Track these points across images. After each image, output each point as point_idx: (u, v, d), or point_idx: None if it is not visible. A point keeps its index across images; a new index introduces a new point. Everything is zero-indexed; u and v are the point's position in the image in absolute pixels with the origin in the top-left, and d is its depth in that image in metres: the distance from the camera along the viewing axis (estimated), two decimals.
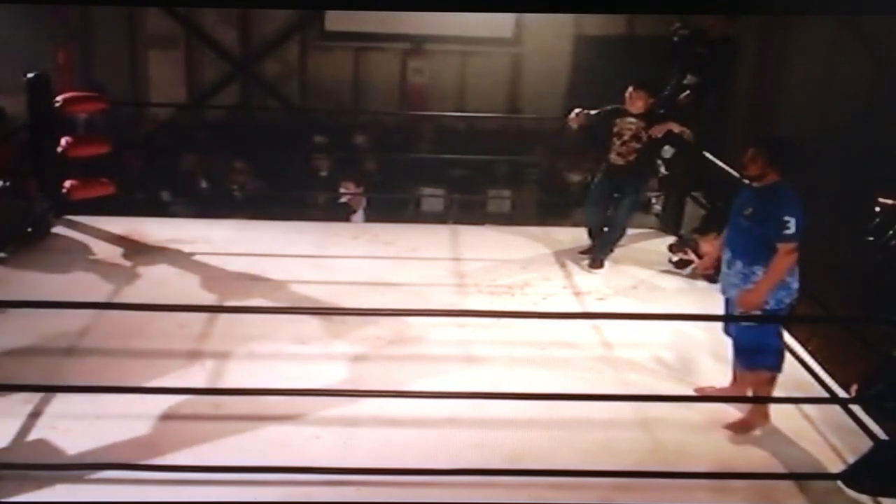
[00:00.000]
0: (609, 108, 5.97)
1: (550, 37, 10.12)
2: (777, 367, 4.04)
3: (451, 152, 8.92)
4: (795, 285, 3.99)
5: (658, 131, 5.84)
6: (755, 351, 4.05)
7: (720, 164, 5.99)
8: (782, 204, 3.91)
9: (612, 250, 6.10)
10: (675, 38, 6.91)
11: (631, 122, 5.88)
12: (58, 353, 4.43)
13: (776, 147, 4.07)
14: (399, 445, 3.81)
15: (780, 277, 3.91)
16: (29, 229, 5.84)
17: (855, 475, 3.42)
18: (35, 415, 3.85)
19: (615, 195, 6.05)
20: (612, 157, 5.98)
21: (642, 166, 6.02)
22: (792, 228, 3.85)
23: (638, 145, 5.89)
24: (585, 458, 3.76)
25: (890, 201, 6.53)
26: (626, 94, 5.87)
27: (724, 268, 4.20)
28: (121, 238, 6.13)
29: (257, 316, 4.88)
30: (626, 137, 5.90)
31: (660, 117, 5.90)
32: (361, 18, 9.80)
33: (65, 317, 4.54)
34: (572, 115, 6.03)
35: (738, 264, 4.05)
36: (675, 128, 5.88)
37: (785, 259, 3.88)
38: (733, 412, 4.08)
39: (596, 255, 6.05)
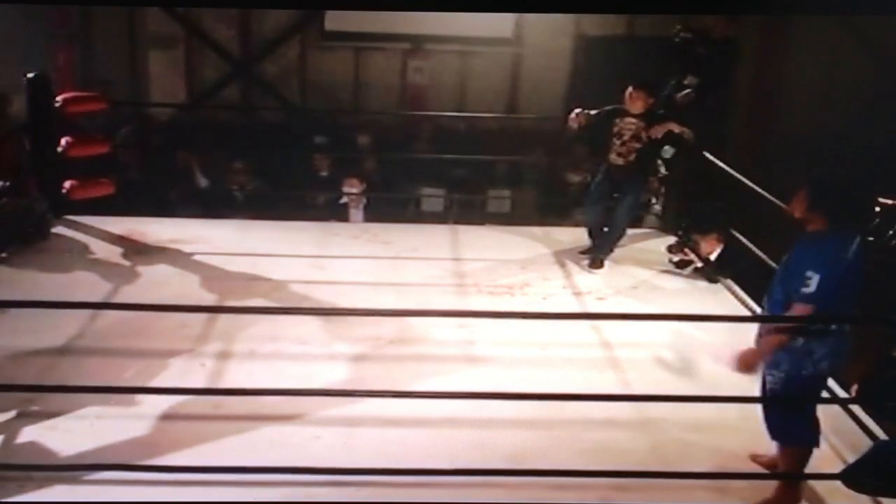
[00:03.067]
0: (609, 108, 5.97)
1: (550, 37, 10.11)
2: (808, 441, 3.54)
3: (451, 152, 8.92)
4: (822, 350, 3.43)
5: (658, 132, 5.84)
6: (782, 421, 3.58)
7: (720, 164, 5.99)
8: (812, 256, 3.37)
9: (612, 250, 6.10)
10: (677, 40, 6.91)
11: (631, 123, 5.87)
12: (57, 353, 4.42)
13: (821, 189, 3.49)
14: (399, 445, 3.81)
15: (783, 339, 3.41)
16: (29, 229, 5.84)
17: (855, 475, 3.41)
18: (35, 415, 3.85)
19: (615, 195, 6.05)
20: (612, 157, 5.97)
21: (642, 166, 6.02)
22: (811, 287, 3.29)
23: (638, 145, 5.88)
24: (585, 458, 3.76)
25: (890, 201, 6.53)
26: (626, 95, 5.87)
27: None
28: (121, 238, 6.14)
29: (257, 316, 4.89)
30: (626, 137, 5.89)
31: (660, 117, 5.90)
32: (361, 18, 9.80)
33: (65, 317, 4.54)
34: (572, 115, 6.02)
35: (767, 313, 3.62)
36: (675, 128, 5.88)
37: (795, 319, 3.38)
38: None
39: (596, 255, 6.05)
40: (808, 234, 3.49)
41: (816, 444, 3.56)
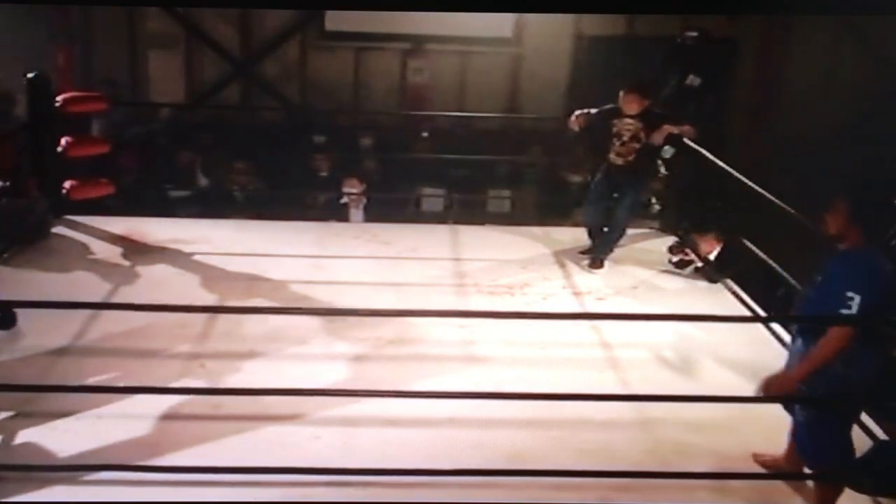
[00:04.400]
0: (607, 107, 5.96)
1: (550, 37, 10.12)
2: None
3: (452, 152, 8.93)
4: (857, 374, 3.26)
5: (658, 139, 5.83)
6: (817, 447, 3.43)
7: (720, 164, 5.98)
8: (853, 274, 3.15)
9: (612, 250, 6.10)
10: (679, 40, 6.90)
11: (629, 123, 5.86)
12: (57, 353, 4.42)
13: (863, 201, 3.27)
14: (399, 445, 3.81)
15: (822, 362, 3.21)
16: (29, 229, 5.84)
17: (855, 475, 3.41)
18: (35, 415, 3.84)
19: (615, 195, 6.05)
20: (612, 157, 5.97)
21: (641, 166, 6.01)
22: (853, 308, 3.09)
23: (637, 145, 5.88)
24: (585, 458, 3.75)
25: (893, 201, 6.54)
26: (620, 97, 5.86)
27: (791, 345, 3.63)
28: (121, 238, 6.13)
29: (257, 316, 4.89)
30: (625, 138, 5.89)
31: (657, 116, 5.90)
32: (361, 18, 9.81)
33: (65, 317, 4.54)
34: (572, 117, 6.02)
35: (799, 342, 3.42)
36: (674, 129, 5.87)
37: (835, 342, 3.15)
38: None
39: (596, 255, 6.05)
40: (845, 251, 3.28)
41: (847, 476, 3.40)
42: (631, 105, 5.83)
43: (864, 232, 3.25)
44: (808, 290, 3.46)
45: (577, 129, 6.06)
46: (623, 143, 5.90)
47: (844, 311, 3.13)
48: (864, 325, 3.17)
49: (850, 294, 3.11)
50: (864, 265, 3.20)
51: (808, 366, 3.27)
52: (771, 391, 3.37)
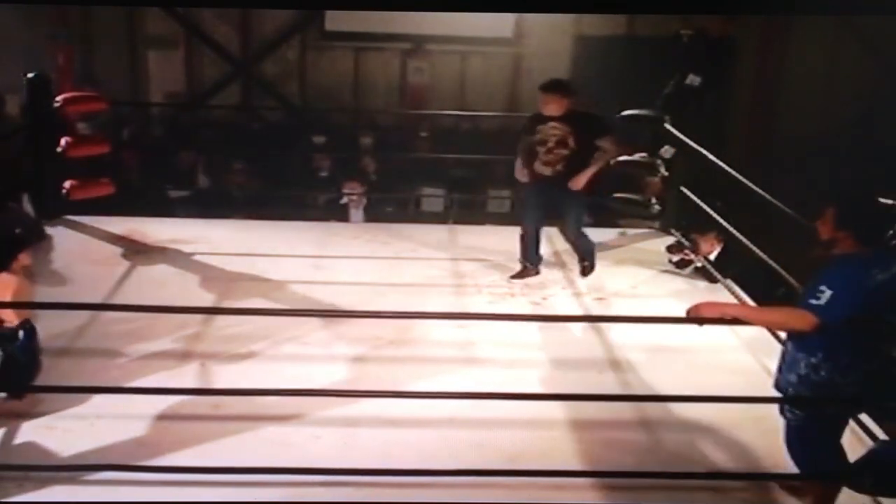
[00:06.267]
0: (528, 117, 5.52)
1: (550, 37, 10.12)
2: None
3: (451, 152, 8.93)
4: (846, 381, 3.19)
5: (576, 184, 5.33)
6: (804, 450, 3.39)
7: (720, 163, 5.98)
8: (831, 272, 3.10)
9: (593, 255, 5.75)
10: (684, 40, 6.88)
11: (554, 127, 5.33)
12: (57, 354, 4.41)
13: (846, 204, 3.22)
14: (399, 445, 3.81)
15: (765, 321, 3.35)
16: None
17: (855, 475, 3.41)
18: (35, 415, 3.85)
19: (553, 207, 5.60)
20: (538, 166, 5.44)
21: (574, 176, 5.40)
22: (822, 300, 3.02)
23: (565, 152, 5.32)
24: (585, 458, 3.76)
25: (890, 201, 6.53)
26: (539, 99, 5.35)
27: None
28: (121, 238, 6.14)
29: (257, 316, 4.88)
30: (550, 144, 5.35)
31: (586, 120, 5.36)
32: (361, 18, 9.82)
33: (64, 317, 4.54)
34: (518, 176, 5.72)
35: (789, 345, 3.34)
36: (588, 173, 5.32)
37: (793, 319, 3.13)
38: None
39: (585, 263, 5.77)
40: (837, 256, 3.20)
41: (847, 477, 3.36)
42: (549, 106, 5.30)
43: (856, 237, 3.17)
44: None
45: (526, 180, 5.67)
46: (549, 150, 5.36)
47: (812, 301, 3.07)
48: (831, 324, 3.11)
49: (822, 287, 3.06)
50: (846, 267, 3.15)
51: (751, 311, 3.36)
52: (699, 312, 3.37)
